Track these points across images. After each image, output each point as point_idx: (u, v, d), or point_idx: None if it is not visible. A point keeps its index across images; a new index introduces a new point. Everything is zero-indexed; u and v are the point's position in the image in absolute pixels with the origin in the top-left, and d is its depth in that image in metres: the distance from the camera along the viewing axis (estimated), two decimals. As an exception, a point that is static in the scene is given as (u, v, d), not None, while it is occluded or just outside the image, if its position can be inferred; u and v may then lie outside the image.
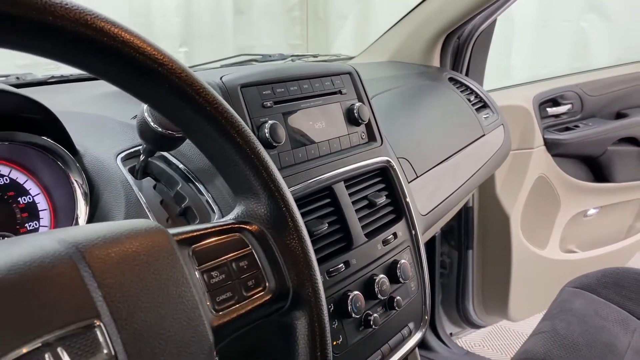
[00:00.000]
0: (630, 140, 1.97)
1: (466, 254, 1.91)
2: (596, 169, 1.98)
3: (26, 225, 0.65)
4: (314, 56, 1.75)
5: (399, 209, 0.93)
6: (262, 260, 0.48)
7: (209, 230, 0.46)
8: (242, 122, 0.46)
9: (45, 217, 0.67)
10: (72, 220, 0.65)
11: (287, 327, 0.49)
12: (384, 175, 0.93)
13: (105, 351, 0.33)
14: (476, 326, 2.05)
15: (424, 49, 1.58)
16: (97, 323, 0.33)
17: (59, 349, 0.31)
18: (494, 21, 1.62)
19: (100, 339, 0.33)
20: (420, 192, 1.03)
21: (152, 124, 0.62)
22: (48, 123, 0.64)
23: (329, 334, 0.49)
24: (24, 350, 0.30)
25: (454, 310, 1.99)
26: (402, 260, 0.88)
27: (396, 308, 0.85)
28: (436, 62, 1.62)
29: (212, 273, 0.43)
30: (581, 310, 1.18)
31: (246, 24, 3.06)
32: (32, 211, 0.66)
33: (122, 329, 0.34)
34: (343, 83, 0.90)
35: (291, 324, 0.49)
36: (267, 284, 0.47)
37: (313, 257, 0.50)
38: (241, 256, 0.46)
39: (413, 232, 0.94)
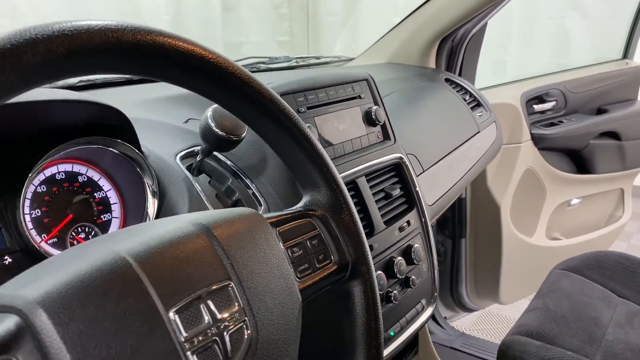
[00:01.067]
0: (610, 134, 2.08)
1: (459, 242, 2.01)
2: (579, 161, 2.08)
3: (101, 216, 0.76)
4: (317, 58, 1.82)
5: (411, 200, 1.04)
6: (327, 239, 0.59)
7: (288, 215, 0.57)
8: (310, 131, 0.57)
9: (116, 209, 0.77)
10: (142, 213, 0.75)
11: (346, 293, 0.60)
12: (398, 170, 1.04)
13: (236, 304, 0.44)
14: (469, 310, 2.15)
15: (421, 52, 1.67)
16: (230, 284, 0.44)
17: (208, 301, 0.42)
18: (485, 25, 1.72)
19: (232, 295, 0.44)
20: (427, 184, 1.14)
21: (214, 128, 0.72)
22: (121, 127, 0.74)
23: (379, 300, 0.61)
24: (188, 300, 0.41)
25: (448, 295, 2.09)
26: (416, 245, 0.99)
27: (411, 286, 0.97)
28: (432, 64, 1.72)
29: (293, 249, 0.55)
30: (569, 289, 1.31)
31: (235, 20, 3.11)
32: (105, 204, 0.76)
33: (246, 288, 0.45)
34: (361, 88, 1.01)
35: (350, 291, 0.60)
36: (332, 258, 0.59)
37: (364, 236, 0.61)
38: (312, 236, 0.57)
39: (423, 219, 1.05)
